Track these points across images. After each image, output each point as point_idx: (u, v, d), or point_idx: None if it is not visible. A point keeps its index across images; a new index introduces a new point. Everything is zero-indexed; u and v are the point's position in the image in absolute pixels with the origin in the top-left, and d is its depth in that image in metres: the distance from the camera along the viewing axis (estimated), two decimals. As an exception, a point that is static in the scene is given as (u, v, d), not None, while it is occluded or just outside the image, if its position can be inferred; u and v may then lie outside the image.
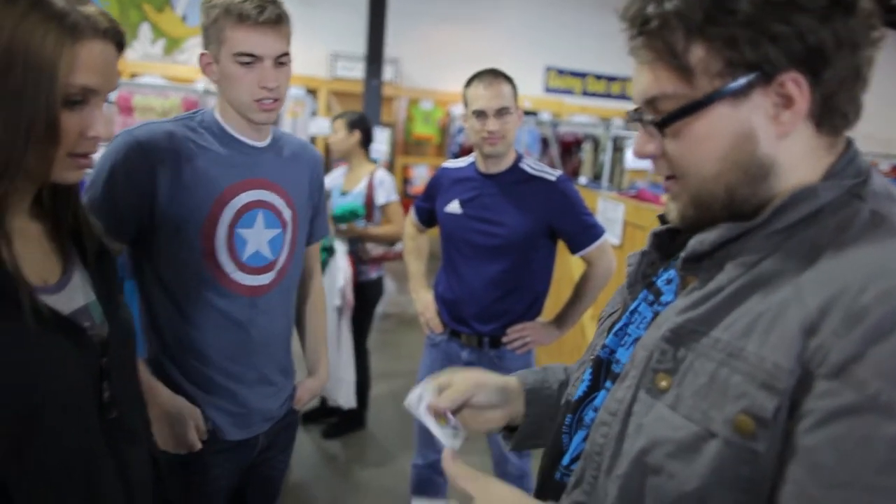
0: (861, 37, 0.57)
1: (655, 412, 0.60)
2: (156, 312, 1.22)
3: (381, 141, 4.69)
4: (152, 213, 1.16)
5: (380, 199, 2.88)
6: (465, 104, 1.85)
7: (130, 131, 1.16)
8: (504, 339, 1.90)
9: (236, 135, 1.24)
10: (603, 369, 0.73)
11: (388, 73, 6.36)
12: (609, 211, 3.21)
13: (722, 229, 0.61)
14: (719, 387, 0.55)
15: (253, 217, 1.23)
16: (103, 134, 0.78)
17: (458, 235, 1.91)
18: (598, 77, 8.12)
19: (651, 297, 0.71)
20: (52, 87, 0.71)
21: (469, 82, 1.83)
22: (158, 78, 5.25)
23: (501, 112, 1.78)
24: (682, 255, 0.64)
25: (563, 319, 1.97)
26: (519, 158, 1.89)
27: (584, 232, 1.86)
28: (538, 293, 1.94)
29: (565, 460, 0.73)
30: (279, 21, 1.15)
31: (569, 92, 8.02)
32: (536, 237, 1.85)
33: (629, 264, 0.76)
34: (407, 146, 7.56)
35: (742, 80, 0.57)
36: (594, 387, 0.74)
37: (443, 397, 0.80)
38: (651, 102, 0.63)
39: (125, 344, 0.89)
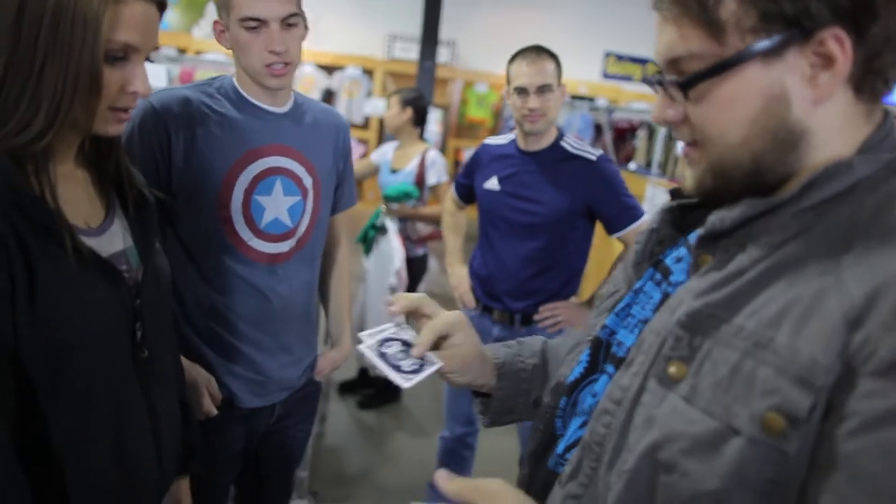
0: None
1: (669, 404, 0.54)
2: (177, 276, 1.21)
3: (434, 122, 4.71)
4: (169, 177, 1.17)
5: (431, 179, 2.90)
6: (508, 81, 1.84)
7: (147, 98, 1.17)
8: (536, 317, 1.91)
9: (254, 100, 1.23)
10: (602, 351, 0.69)
11: (443, 55, 6.36)
12: (657, 197, 3.15)
13: (745, 206, 0.55)
14: (744, 380, 0.50)
15: (271, 184, 1.23)
16: (142, 90, 0.83)
17: (495, 212, 1.92)
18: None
19: (658, 276, 0.66)
20: (96, 41, 0.76)
21: (513, 59, 1.83)
22: (221, 55, 5.40)
23: (543, 89, 1.77)
24: (700, 232, 0.59)
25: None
26: (560, 136, 1.88)
27: (622, 213, 1.83)
28: (574, 272, 1.94)
29: (560, 448, 0.68)
30: None
31: (627, 78, 7.83)
32: (574, 216, 1.84)
33: (637, 242, 0.71)
34: (460, 129, 7.56)
35: (777, 38, 0.51)
36: (592, 369, 0.69)
37: (422, 337, 0.76)
38: (674, 63, 0.57)
39: (158, 287, 0.94)
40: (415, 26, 6.67)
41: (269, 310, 1.27)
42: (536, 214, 1.84)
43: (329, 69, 6.99)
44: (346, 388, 3.29)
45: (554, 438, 0.70)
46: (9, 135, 0.74)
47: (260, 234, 1.24)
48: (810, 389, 0.47)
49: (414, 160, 2.93)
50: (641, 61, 7.86)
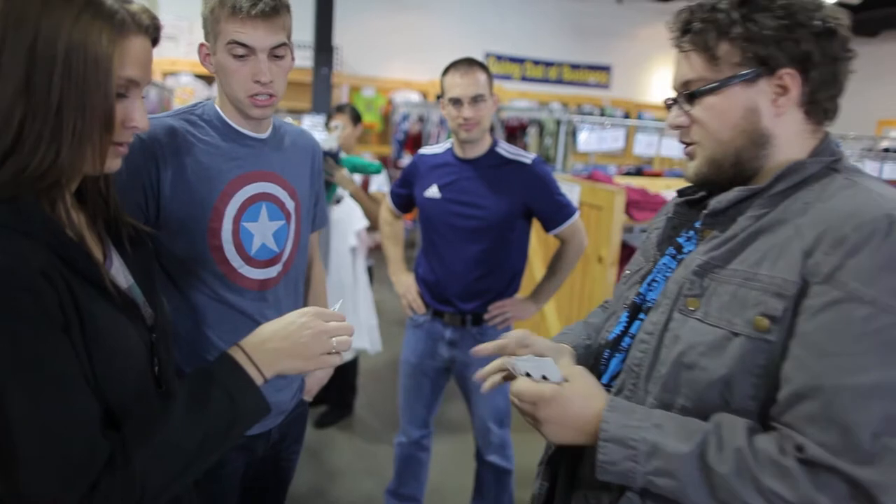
0: (839, 53, 0.80)
1: (689, 325, 0.80)
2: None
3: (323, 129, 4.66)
4: (158, 210, 1.15)
5: (372, 186, 3.05)
6: (442, 92, 1.91)
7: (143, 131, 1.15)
8: (486, 317, 1.99)
9: (237, 127, 1.22)
10: (635, 311, 0.93)
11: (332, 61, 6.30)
12: (565, 192, 3.34)
13: (735, 192, 0.83)
14: (739, 301, 0.77)
15: (257, 210, 1.23)
16: (141, 124, 0.82)
17: (438, 219, 1.98)
18: (536, 62, 8.30)
19: (673, 251, 0.92)
20: (109, 79, 0.75)
21: (446, 71, 1.90)
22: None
23: (476, 99, 1.85)
24: (704, 211, 0.86)
25: (539, 294, 2.08)
26: (495, 143, 1.97)
27: (558, 211, 1.97)
28: (516, 270, 2.04)
29: (604, 379, 0.91)
30: (274, 12, 1.12)
31: (508, 77, 8.16)
32: (514, 218, 1.94)
33: (656, 227, 0.99)
34: (350, 134, 7.51)
35: (753, 71, 0.81)
36: (629, 325, 0.92)
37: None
38: (685, 84, 0.86)
39: (167, 323, 0.93)
40: (299, 32, 6.55)
41: None
42: (479, 219, 1.92)
43: (209, 79, 6.68)
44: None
45: (599, 377, 0.92)
46: (30, 178, 0.72)
47: (250, 260, 1.24)
48: (783, 298, 0.74)
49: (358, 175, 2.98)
50: (520, 60, 8.23)
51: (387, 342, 4.13)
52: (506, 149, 1.97)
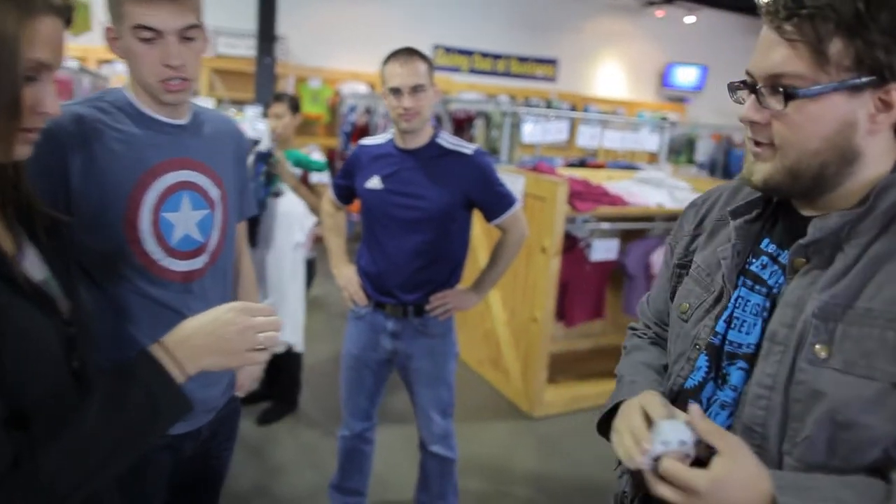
0: None
1: (826, 377, 0.70)
2: None
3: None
4: (68, 202, 1.08)
5: (313, 178, 2.97)
6: (383, 81, 1.90)
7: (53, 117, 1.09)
8: (427, 307, 2.00)
9: (152, 114, 1.17)
10: (716, 354, 0.83)
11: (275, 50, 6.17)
12: (510, 183, 3.36)
13: (837, 217, 0.74)
14: (891, 346, 0.68)
15: (178, 199, 1.19)
16: (52, 109, 0.78)
17: (379, 210, 1.97)
18: (484, 55, 8.34)
19: (750, 283, 0.83)
20: (15, 62, 0.71)
21: (386, 60, 1.88)
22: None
23: (416, 89, 1.84)
24: (801, 241, 0.76)
25: (480, 285, 2.09)
26: (436, 134, 1.97)
27: (499, 202, 1.98)
28: (458, 261, 2.05)
29: None
30: None
31: (456, 70, 8.17)
32: (455, 208, 1.95)
33: (724, 258, 0.85)
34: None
35: (863, 79, 0.69)
36: (712, 371, 0.83)
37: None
38: (776, 77, 0.72)
39: (87, 317, 0.89)
40: (241, 21, 6.38)
41: None
42: (420, 210, 1.92)
43: None
44: (249, 400, 3.19)
45: None
46: None
47: (172, 252, 1.19)
48: None
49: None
50: (468, 53, 8.25)
51: (332, 336, 4.10)
52: (447, 139, 1.97)
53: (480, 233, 3.63)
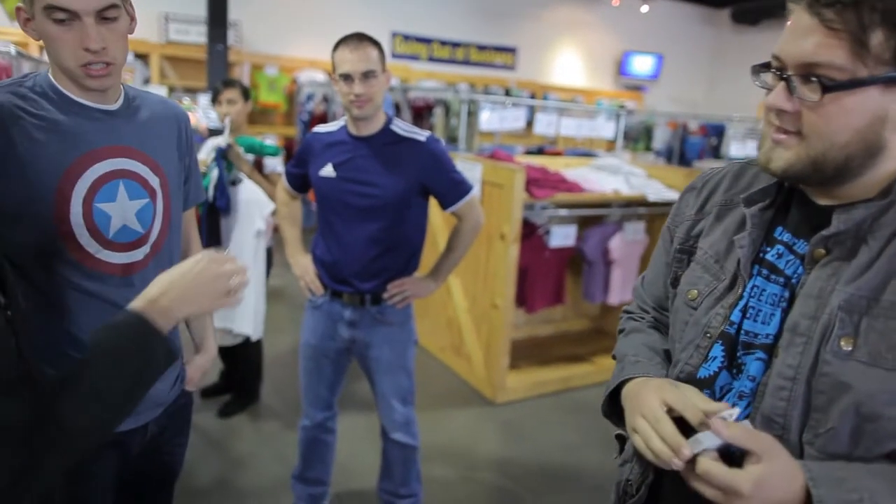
0: None
1: (852, 369, 0.70)
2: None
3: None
4: None
5: (267, 166, 2.93)
6: (333, 68, 1.87)
7: None
8: (385, 296, 1.99)
9: (78, 99, 1.09)
10: (731, 343, 0.82)
11: (228, 37, 6.02)
12: (467, 171, 3.38)
13: (863, 209, 0.73)
14: None
15: (113, 189, 1.12)
16: None
17: (333, 198, 1.95)
18: (443, 43, 8.30)
19: (766, 271, 0.82)
20: None
21: (336, 46, 1.86)
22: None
23: (367, 75, 1.81)
24: (824, 233, 0.75)
25: (437, 272, 2.10)
26: (389, 121, 1.95)
27: (453, 189, 1.98)
28: (414, 249, 2.04)
29: None
30: None
31: (415, 58, 8.12)
32: (410, 196, 1.94)
33: (741, 246, 0.84)
34: (253, 115, 7.22)
35: None
36: (728, 360, 0.82)
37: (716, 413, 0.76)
38: (810, 66, 0.70)
39: (19, 306, 0.86)
40: (192, 6, 6.20)
41: None
42: (375, 197, 1.90)
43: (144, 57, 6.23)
44: (209, 393, 3.16)
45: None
46: None
47: (109, 244, 1.13)
48: None
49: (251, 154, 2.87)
50: (427, 41, 8.20)
51: (292, 326, 4.06)
52: (400, 126, 1.96)
53: (440, 220, 3.63)
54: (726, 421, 0.71)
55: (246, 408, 3.09)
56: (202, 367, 1.38)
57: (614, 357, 1.03)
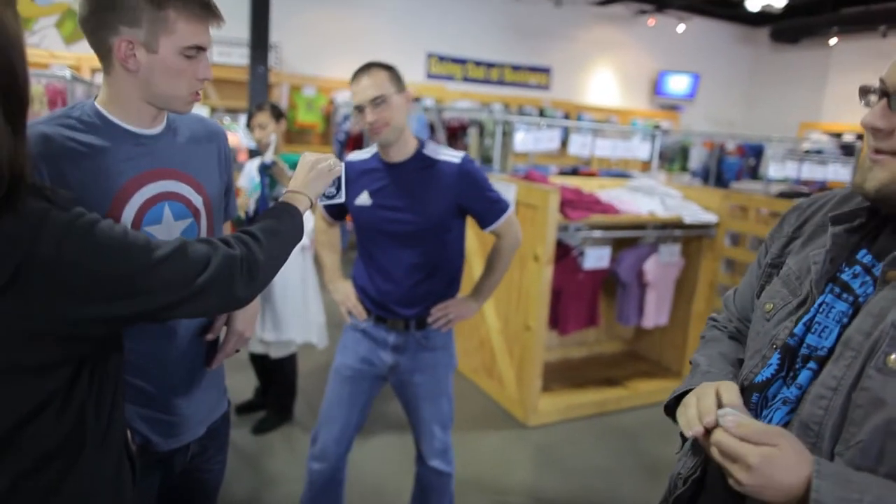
0: None
1: (893, 386, 0.71)
2: None
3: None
4: None
5: None
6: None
7: None
8: (429, 320, 1.97)
9: (124, 125, 1.14)
10: (790, 354, 0.85)
11: (269, 59, 6.19)
12: (501, 192, 3.39)
13: None
14: None
15: (159, 211, 1.16)
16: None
17: (371, 226, 1.95)
18: (478, 63, 8.38)
19: (838, 290, 0.83)
20: (25, 59, 0.77)
21: (351, 79, 1.86)
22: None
23: (377, 101, 1.80)
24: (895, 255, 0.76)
25: (479, 292, 2.07)
26: (422, 145, 1.94)
27: (491, 208, 1.98)
28: (455, 271, 2.03)
29: None
30: (216, 8, 1.13)
31: (450, 78, 8.21)
32: (448, 219, 1.93)
33: (815, 262, 0.86)
34: (290, 135, 7.39)
35: None
36: (782, 369, 0.85)
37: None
38: None
39: None
40: (234, 29, 6.40)
41: (173, 344, 1.21)
42: (412, 223, 1.90)
43: None
44: (244, 409, 3.22)
45: None
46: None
47: None
48: None
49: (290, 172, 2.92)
50: (461, 61, 8.29)
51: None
52: (433, 150, 1.95)
53: (475, 242, 3.64)
54: (735, 423, 0.75)
55: (280, 425, 3.12)
56: (252, 317, 1.37)
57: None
